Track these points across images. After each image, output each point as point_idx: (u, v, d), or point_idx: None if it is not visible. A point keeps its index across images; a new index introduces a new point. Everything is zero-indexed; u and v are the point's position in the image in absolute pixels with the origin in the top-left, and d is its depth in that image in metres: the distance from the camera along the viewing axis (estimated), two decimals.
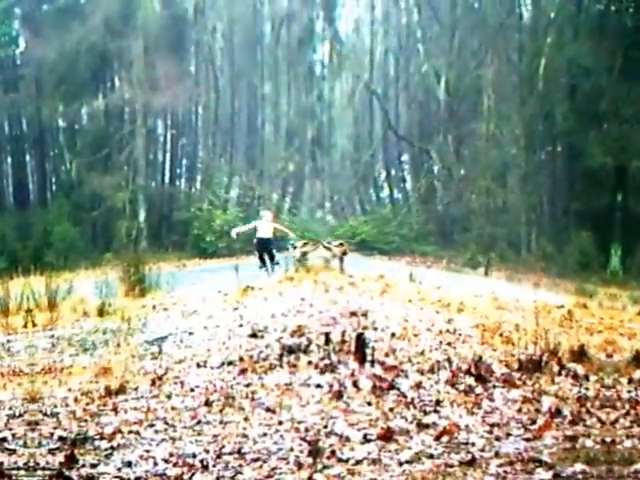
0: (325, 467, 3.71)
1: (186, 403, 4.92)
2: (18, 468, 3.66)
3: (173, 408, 4.80)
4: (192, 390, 5.26)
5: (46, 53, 26.55)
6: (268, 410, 4.74)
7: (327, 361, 6.01)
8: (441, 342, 6.87)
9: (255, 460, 3.82)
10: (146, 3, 27.67)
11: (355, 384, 5.32)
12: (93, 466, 3.70)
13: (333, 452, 3.91)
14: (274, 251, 16.22)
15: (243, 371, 5.80)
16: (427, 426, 4.34)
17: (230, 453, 3.93)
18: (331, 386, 5.30)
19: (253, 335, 7.11)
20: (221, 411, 4.74)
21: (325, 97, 34.25)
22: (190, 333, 7.60)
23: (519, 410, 4.70)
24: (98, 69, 28.99)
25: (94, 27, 26.58)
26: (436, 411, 4.65)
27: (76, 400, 5.01)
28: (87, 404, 4.92)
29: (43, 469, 3.65)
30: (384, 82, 35.25)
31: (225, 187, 31.75)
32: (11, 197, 28.83)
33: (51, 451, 3.91)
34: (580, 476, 3.52)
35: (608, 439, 4.04)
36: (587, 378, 5.50)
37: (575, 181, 24.05)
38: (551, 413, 4.58)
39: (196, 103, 32.27)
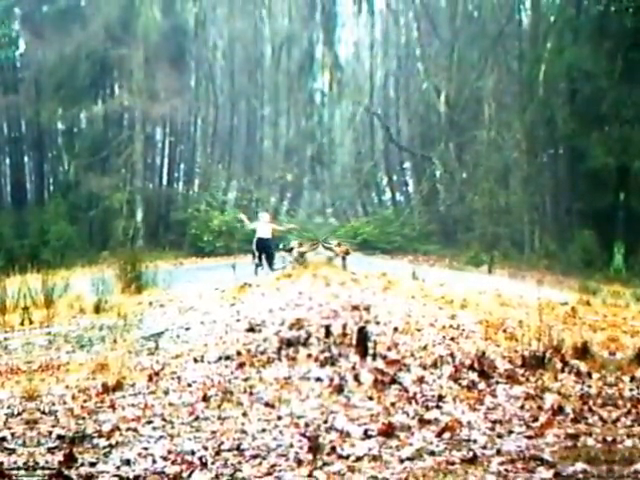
0: (325, 464, 3.66)
1: (184, 399, 4.85)
2: (18, 468, 3.63)
3: (171, 404, 4.74)
4: (189, 385, 5.20)
5: (46, 56, 26.70)
6: (267, 405, 4.68)
7: (327, 354, 5.92)
8: (444, 337, 6.80)
9: (254, 457, 3.77)
10: (146, 10, 27.66)
11: (356, 378, 5.25)
12: (92, 465, 3.66)
13: (333, 448, 3.86)
14: (272, 251, 16.24)
15: (241, 365, 5.73)
16: (429, 422, 4.29)
17: (229, 450, 3.87)
18: (331, 380, 5.23)
19: (250, 329, 7.02)
20: (219, 406, 4.68)
21: (325, 122, 34.45)
22: (187, 328, 7.54)
23: (522, 407, 4.66)
24: (98, 76, 29.12)
25: (94, 32, 26.64)
26: (438, 407, 4.60)
27: (73, 397, 4.96)
28: (84, 401, 4.86)
29: (42, 468, 3.62)
30: (385, 103, 35.66)
31: (223, 190, 31.87)
32: (9, 196, 28.86)
33: (50, 450, 3.87)
34: (581, 475, 3.49)
35: (609, 438, 4.02)
36: (590, 375, 5.45)
37: (577, 181, 24.11)
38: (553, 410, 4.54)
39: (195, 115, 32.59)
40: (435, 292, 11.07)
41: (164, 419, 4.43)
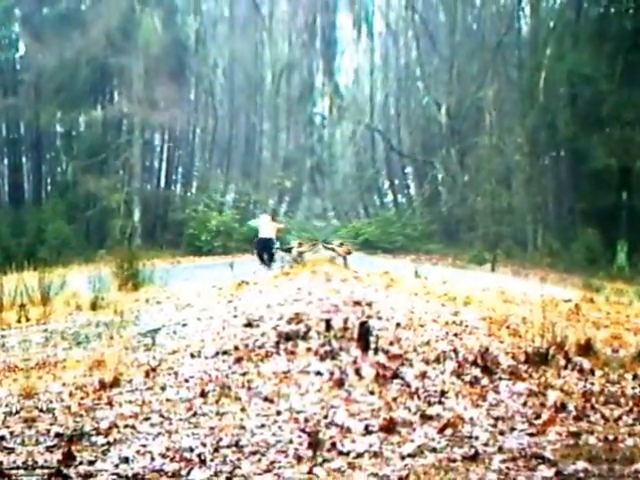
0: (325, 460, 3.60)
1: (181, 394, 4.79)
2: (17, 467, 3.59)
3: (168, 400, 4.68)
4: (187, 381, 5.13)
5: (46, 60, 26.75)
6: (266, 400, 4.62)
7: (328, 348, 5.83)
8: (447, 333, 6.71)
9: (253, 453, 3.72)
10: (147, 20, 27.68)
11: (357, 372, 5.18)
12: (91, 463, 3.61)
13: (334, 444, 3.80)
14: (274, 251, 16.26)
15: (239, 360, 5.63)
16: (431, 418, 4.24)
17: (228, 446, 3.82)
18: (332, 374, 5.16)
19: (248, 325, 6.91)
20: (217, 402, 4.61)
21: (325, 139, 34.51)
22: (184, 325, 7.46)
23: (524, 404, 4.61)
24: (98, 82, 29.38)
25: (95, 39, 26.72)
26: (440, 402, 4.54)
27: (71, 394, 4.91)
28: (82, 398, 4.81)
29: (42, 467, 3.57)
30: (385, 120, 35.88)
31: (221, 192, 31.93)
32: (6, 196, 28.95)
33: (49, 448, 3.82)
34: (582, 474, 3.45)
35: (611, 436, 3.98)
36: (593, 372, 5.40)
37: (580, 182, 24.26)
38: (556, 408, 4.49)
39: (194, 125, 32.99)
40: (438, 289, 11.00)
41: (162, 415, 4.37)
